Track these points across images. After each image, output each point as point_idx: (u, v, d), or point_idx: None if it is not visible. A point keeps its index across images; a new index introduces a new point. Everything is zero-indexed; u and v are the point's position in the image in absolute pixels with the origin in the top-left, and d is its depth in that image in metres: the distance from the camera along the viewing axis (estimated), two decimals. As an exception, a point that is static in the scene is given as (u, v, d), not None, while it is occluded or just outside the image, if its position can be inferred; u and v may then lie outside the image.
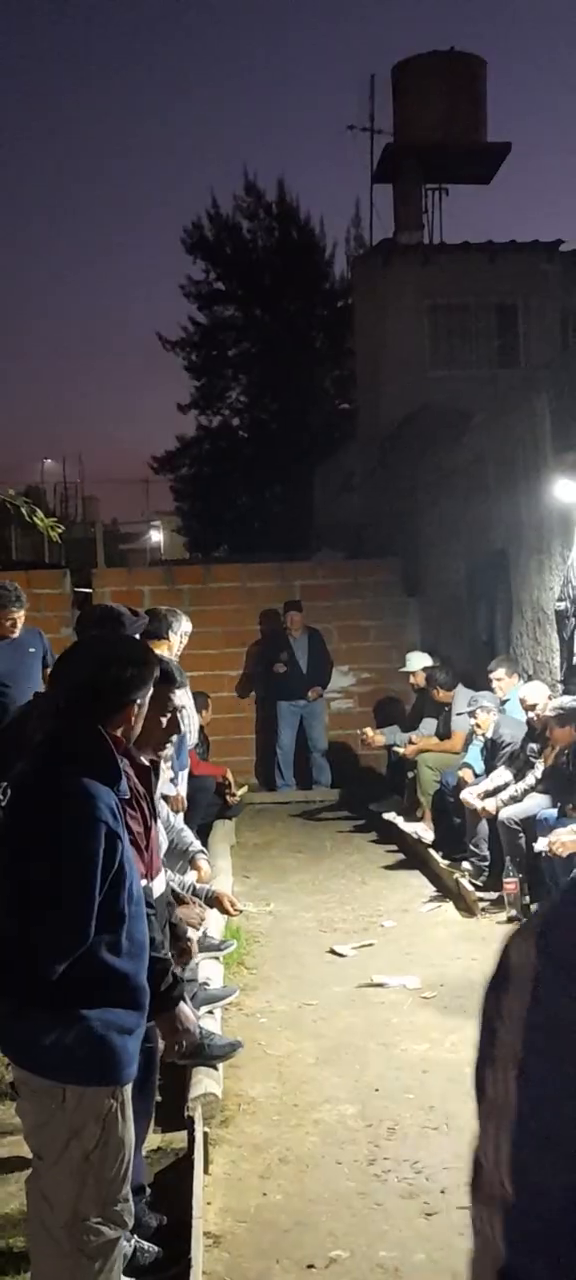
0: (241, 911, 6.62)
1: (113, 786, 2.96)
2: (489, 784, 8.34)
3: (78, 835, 2.86)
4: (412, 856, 9.83)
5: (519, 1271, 1.27)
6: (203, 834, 8.59)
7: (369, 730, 11.37)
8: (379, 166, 18.12)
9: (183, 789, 6.75)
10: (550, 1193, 1.27)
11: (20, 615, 7.49)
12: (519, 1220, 1.29)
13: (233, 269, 28.90)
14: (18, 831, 2.91)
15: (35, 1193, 2.99)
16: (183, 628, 7.00)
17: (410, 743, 10.49)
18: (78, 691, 3.10)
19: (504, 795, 8.06)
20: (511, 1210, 1.28)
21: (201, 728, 10.54)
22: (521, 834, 7.76)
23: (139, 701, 3.18)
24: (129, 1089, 3.02)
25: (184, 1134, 4.74)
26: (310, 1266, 3.94)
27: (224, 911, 5.73)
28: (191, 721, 7.31)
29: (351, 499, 18.30)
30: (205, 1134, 4.65)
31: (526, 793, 7.87)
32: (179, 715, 4.22)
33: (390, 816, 10.69)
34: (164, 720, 3.89)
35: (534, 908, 7.52)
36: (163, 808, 5.39)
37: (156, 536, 33.81)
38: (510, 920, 7.60)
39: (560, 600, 9.05)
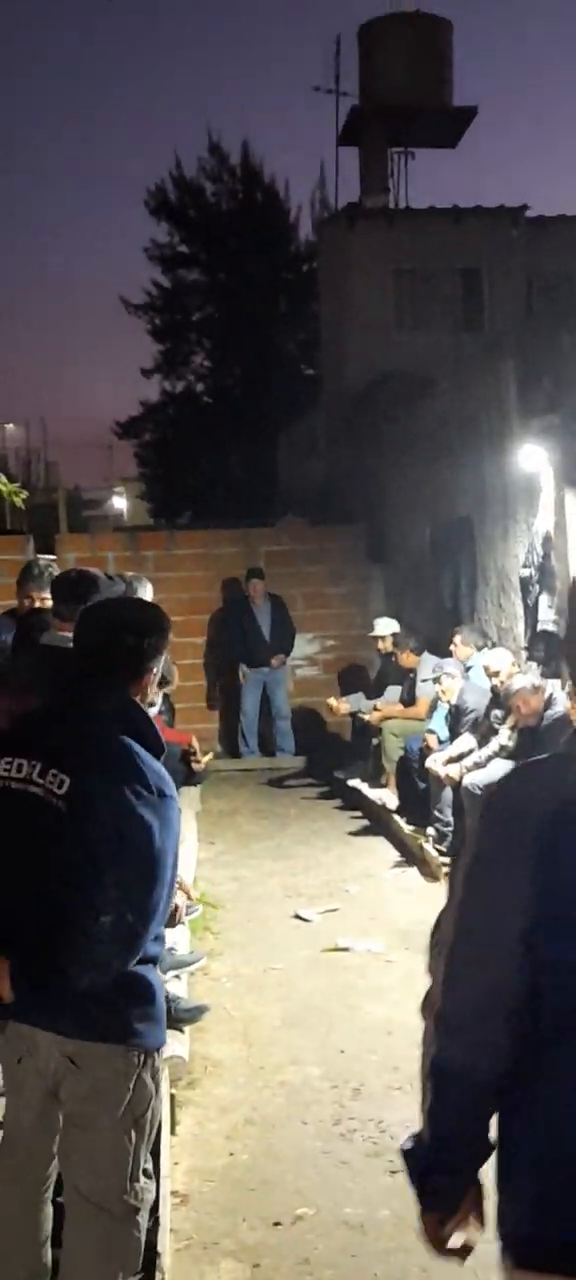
0: (193, 907, 6.68)
1: (158, 756, 2.98)
2: (453, 750, 8.43)
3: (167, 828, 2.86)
4: (377, 822, 9.92)
5: (443, 1057, 1.83)
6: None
7: (333, 700, 11.43)
8: (344, 129, 18.07)
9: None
10: (468, 993, 1.80)
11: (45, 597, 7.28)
12: (446, 1018, 1.82)
13: (196, 232, 28.69)
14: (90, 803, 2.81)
15: (79, 1167, 2.98)
16: (146, 593, 7.01)
17: (375, 709, 10.56)
18: (91, 661, 3.05)
19: (468, 761, 8.14)
20: (442, 1012, 1.83)
21: (167, 695, 10.56)
22: (485, 799, 7.85)
23: (155, 671, 3.16)
24: None
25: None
26: (276, 1224, 4.02)
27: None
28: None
29: (316, 464, 18.30)
30: (172, 1096, 4.72)
31: (490, 759, 7.95)
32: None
33: (355, 783, 10.77)
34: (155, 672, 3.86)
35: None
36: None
37: (119, 503, 33.62)
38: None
39: (525, 567, 9.13)
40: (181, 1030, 5.19)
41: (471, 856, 1.84)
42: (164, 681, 3.98)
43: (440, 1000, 1.84)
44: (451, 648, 9.36)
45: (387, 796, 9.89)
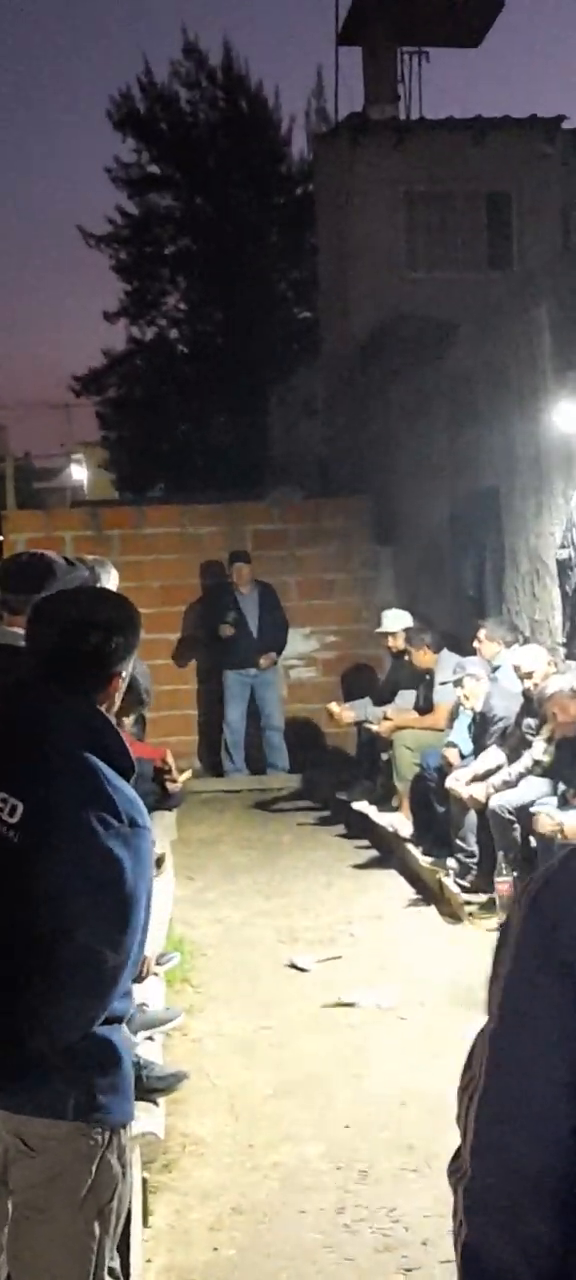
0: (168, 955, 6.68)
1: (128, 778, 2.97)
2: (478, 766, 8.43)
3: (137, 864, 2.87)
4: (387, 853, 9.92)
5: (477, 1245, 1.56)
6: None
7: (335, 705, 11.45)
8: (345, 24, 18.03)
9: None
10: (500, 1164, 1.55)
11: None
12: (474, 1195, 1.56)
13: (169, 149, 28.67)
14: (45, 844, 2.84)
15: (32, 1267, 2.97)
16: (111, 581, 7.01)
17: (384, 718, 10.56)
18: (47, 664, 3.04)
19: (496, 780, 8.15)
20: (470, 1187, 1.57)
21: (135, 702, 10.55)
22: (516, 825, 7.87)
23: (124, 675, 3.16)
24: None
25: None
26: (269, 1332, 4.02)
27: None
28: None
29: (312, 427, 18.31)
30: (144, 1180, 4.72)
31: (522, 776, 7.96)
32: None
33: (360, 806, 10.78)
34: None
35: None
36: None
37: (78, 473, 33.60)
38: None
39: (562, 548, 9.14)
40: (155, 1102, 5.19)
41: (507, 971, 1.61)
42: (139, 700, 3.98)
43: (469, 1169, 1.59)
44: (475, 645, 9.37)
45: (400, 822, 9.90)
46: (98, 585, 5.21)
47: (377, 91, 17.47)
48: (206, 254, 28.39)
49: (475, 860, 8.44)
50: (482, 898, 8.18)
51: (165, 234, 29.48)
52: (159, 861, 7.08)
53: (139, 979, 4.32)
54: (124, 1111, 3.00)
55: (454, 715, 9.34)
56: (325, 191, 18.26)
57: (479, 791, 8.23)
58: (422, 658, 10.22)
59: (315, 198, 20.14)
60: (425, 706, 10.25)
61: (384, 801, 10.50)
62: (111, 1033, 2.94)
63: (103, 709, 3.04)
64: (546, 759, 7.83)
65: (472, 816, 8.42)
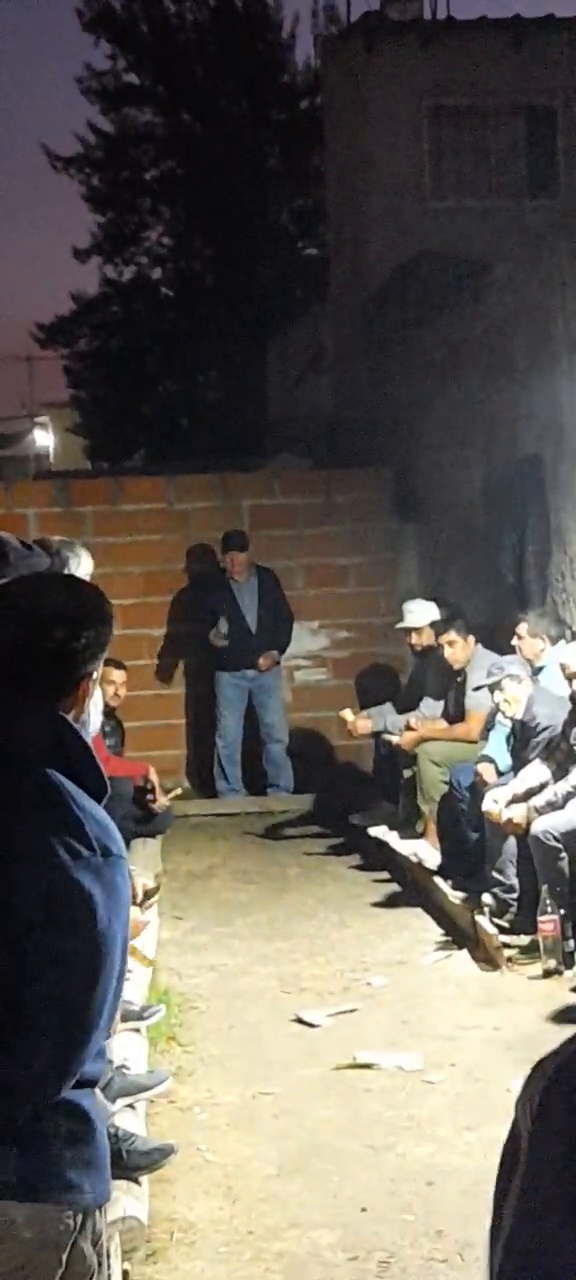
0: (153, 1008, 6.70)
1: (100, 800, 2.98)
2: (518, 785, 8.43)
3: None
4: (411, 888, 9.93)
5: None
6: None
7: (349, 712, 11.45)
8: None
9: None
10: None
11: None
12: None
13: (150, 55, 28.70)
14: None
15: None
16: (82, 566, 7.02)
17: (407, 728, 10.57)
18: (4, 666, 3.02)
19: (539, 800, 8.15)
20: None
21: (110, 708, 10.57)
22: (563, 853, 7.87)
23: (94, 676, 3.16)
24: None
25: (95, 1274, 4.81)
26: None
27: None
28: (95, 695, 7.32)
29: (320, 384, 18.34)
30: (125, 1272, 4.73)
31: (570, 796, 7.97)
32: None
33: (379, 832, 10.79)
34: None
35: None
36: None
37: (43, 438, 33.70)
38: (547, 974, 7.73)
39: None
40: (137, 1181, 5.20)
41: (523, 1169, 1.58)
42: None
43: None
44: (515, 641, 9.37)
45: (425, 851, 9.91)
46: (64, 572, 5.21)
47: (397, -13, 17.49)
48: (194, 180, 28.41)
49: (515, 895, 8.43)
50: (524, 940, 8.18)
51: (145, 156, 29.52)
52: (150, 894, 7.11)
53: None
54: (99, 1191, 3.00)
55: (489, 725, 9.34)
56: (334, 106, 18.28)
57: (519, 814, 8.23)
58: (454, 654, 10.17)
59: (323, 113, 20.16)
60: (455, 714, 10.25)
61: (406, 827, 10.50)
62: (83, 1098, 2.95)
63: (70, 717, 3.05)
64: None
65: (512, 844, 8.41)
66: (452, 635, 10.12)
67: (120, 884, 2.91)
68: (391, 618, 11.93)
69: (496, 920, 8.45)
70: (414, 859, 9.98)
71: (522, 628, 9.42)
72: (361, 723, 11.35)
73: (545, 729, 8.55)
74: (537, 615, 9.64)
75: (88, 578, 7.09)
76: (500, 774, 8.85)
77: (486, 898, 8.61)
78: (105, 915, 2.82)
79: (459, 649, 10.12)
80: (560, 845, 7.88)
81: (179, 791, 11.27)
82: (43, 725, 2.97)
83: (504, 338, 11.28)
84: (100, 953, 2.83)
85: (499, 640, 9.92)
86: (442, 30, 16.93)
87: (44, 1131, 2.87)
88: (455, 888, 9.27)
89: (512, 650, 9.34)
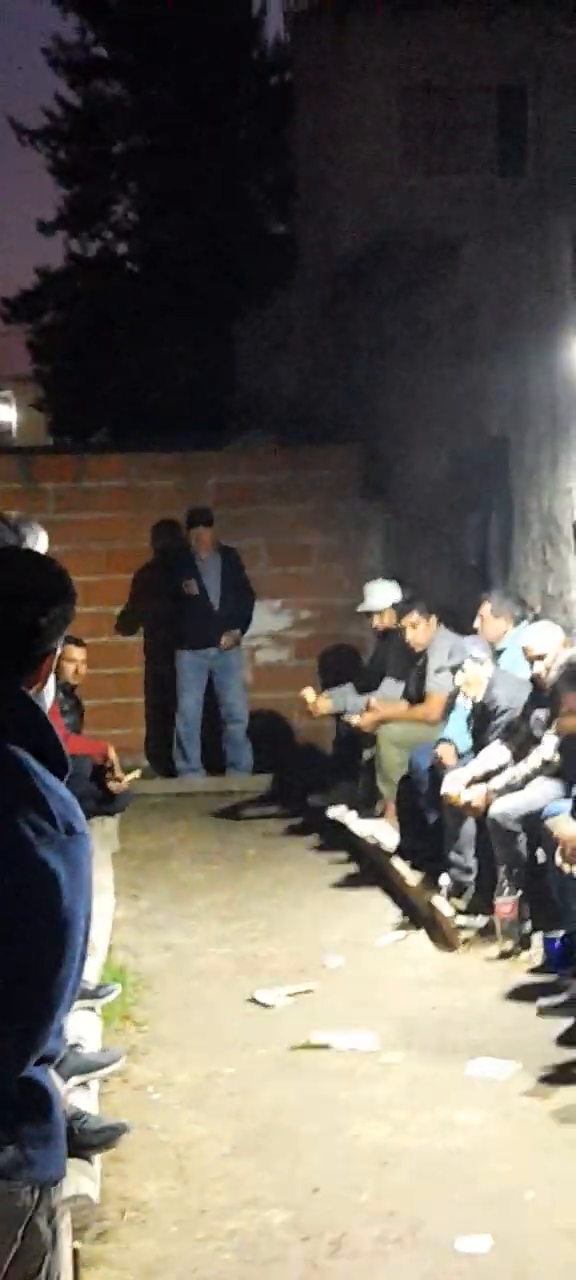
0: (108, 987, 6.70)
1: (62, 777, 2.96)
2: (477, 767, 8.44)
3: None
4: (369, 868, 9.94)
5: None
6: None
7: (310, 692, 11.43)
8: None
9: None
10: None
11: None
12: None
13: (119, 27, 28.58)
14: None
15: None
16: (39, 544, 7.00)
17: (367, 708, 10.57)
18: None
19: (498, 782, 8.17)
20: None
21: (70, 686, 10.54)
22: (521, 836, 7.90)
23: (56, 653, 3.15)
24: None
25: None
26: None
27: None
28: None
29: (288, 362, 18.28)
30: (75, 1251, 4.72)
31: (528, 779, 7.99)
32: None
33: (337, 813, 10.79)
34: None
35: (537, 937, 7.69)
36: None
37: (5, 413, 33.53)
38: (504, 955, 7.76)
39: (580, 509, 9.18)
40: (89, 1160, 5.18)
41: None
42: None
43: None
44: (477, 622, 9.38)
45: (385, 831, 9.92)
46: (23, 548, 5.19)
47: (369, -38, 17.45)
48: (162, 154, 28.29)
49: (472, 877, 8.45)
50: (481, 921, 8.20)
51: (114, 129, 29.38)
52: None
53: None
54: (55, 1167, 3.00)
55: (450, 706, 9.34)
56: (305, 81, 18.25)
57: (478, 796, 8.25)
58: (416, 635, 10.16)
59: (293, 88, 20.12)
60: (416, 695, 10.26)
61: (365, 808, 10.50)
62: (40, 1074, 2.94)
63: (32, 693, 3.04)
64: (558, 759, 7.86)
65: (470, 826, 8.42)
66: (414, 616, 10.13)
67: (83, 861, 2.91)
68: (354, 598, 11.91)
69: (453, 902, 8.48)
70: (372, 840, 9.99)
71: (485, 609, 9.43)
72: (322, 703, 11.33)
73: (505, 711, 8.57)
74: (500, 596, 9.65)
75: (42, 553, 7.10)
76: (459, 756, 8.85)
77: (444, 879, 8.63)
78: (69, 893, 2.81)
79: (420, 630, 10.12)
80: (518, 828, 7.91)
81: (138, 774, 11.23)
82: (7, 702, 2.96)
83: (472, 317, 11.28)
84: (64, 931, 2.82)
85: (462, 621, 9.93)
86: (413, 7, 16.88)
87: (2, 1108, 2.87)
88: (413, 869, 9.29)
89: (474, 631, 9.35)
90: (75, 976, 2.92)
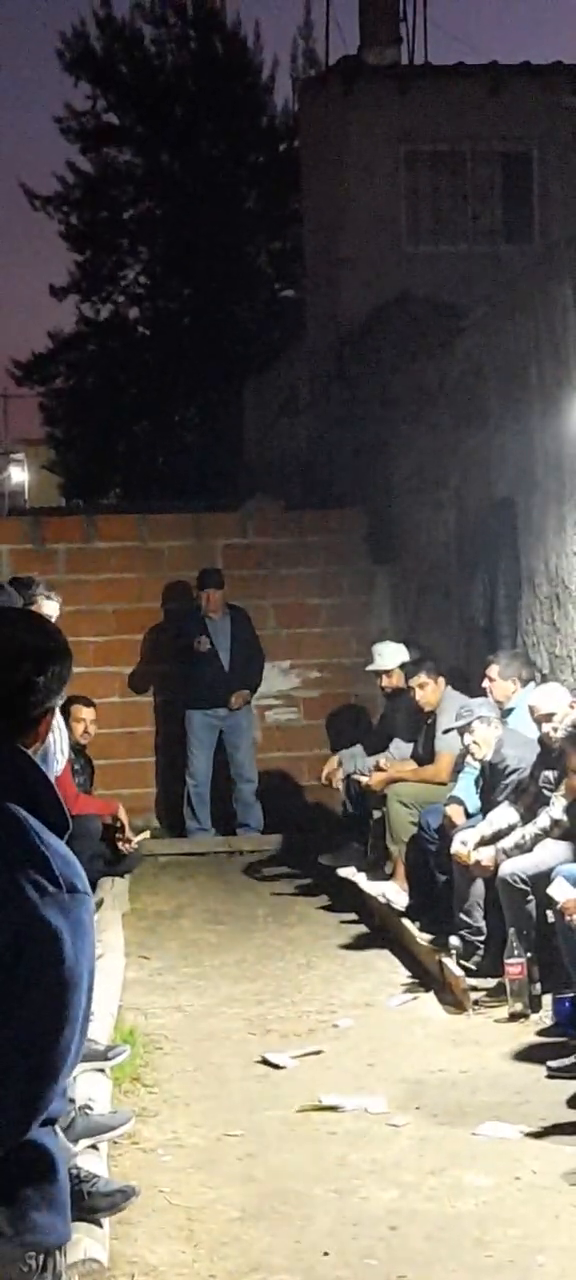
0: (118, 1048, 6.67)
1: (62, 836, 2.95)
2: (487, 827, 8.43)
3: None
4: (379, 929, 9.90)
5: None
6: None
7: (334, 765, 11.29)
8: (338, -47, 18.21)
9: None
10: None
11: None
12: None
13: (130, 96, 28.81)
14: None
15: None
16: (52, 611, 7.06)
17: (377, 769, 10.56)
18: None
19: (507, 843, 8.15)
20: None
21: (80, 746, 10.54)
22: (531, 896, 7.87)
23: (54, 712, 3.14)
24: None
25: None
26: None
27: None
28: (60, 735, 7.31)
29: (295, 426, 18.36)
30: (84, 1316, 4.68)
31: (538, 839, 7.96)
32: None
33: (347, 873, 10.76)
34: None
35: (547, 999, 7.65)
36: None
37: (18, 475, 33.69)
38: (513, 1017, 7.71)
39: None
40: (98, 1223, 5.16)
41: None
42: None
43: None
44: (485, 683, 9.37)
45: (394, 892, 9.89)
46: (32, 609, 5.19)
47: (375, 32, 17.60)
48: (172, 220, 28.49)
49: (482, 938, 8.42)
50: (491, 983, 8.17)
51: (124, 196, 29.59)
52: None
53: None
54: (60, 1232, 2.97)
55: (458, 767, 9.33)
56: (312, 149, 18.36)
57: (487, 856, 8.22)
58: (424, 696, 10.19)
59: (300, 156, 20.26)
60: (425, 755, 10.25)
61: (375, 868, 10.48)
62: (44, 1136, 2.92)
63: (31, 751, 3.04)
64: (566, 819, 7.84)
65: (480, 886, 8.40)
66: (423, 677, 10.14)
67: (86, 921, 2.89)
68: (362, 659, 11.94)
69: (463, 963, 8.44)
70: (382, 900, 9.96)
71: (493, 670, 9.43)
72: (337, 770, 11.26)
73: (514, 771, 8.55)
74: (508, 658, 9.65)
75: (54, 618, 7.15)
76: (469, 816, 8.84)
77: (453, 940, 8.59)
78: (72, 953, 2.80)
79: (429, 691, 10.13)
80: (527, 888, 7.88)
81: (148, 834, 11.24)
82: (5, 761, 2.96)
83: (477, 383, 11.31)
84: (67, 991, 2.80)
85: (470, 682, 9.91)
86: (420, 75, 17.06)
87: (5, 1171, 2.84)
88: (422, 929, 9.25)
89: (483, 692, 9.35)
90: (79, 1038, 2.89)
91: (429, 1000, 8.44)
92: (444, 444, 12.10)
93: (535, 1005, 7.74)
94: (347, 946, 9.77)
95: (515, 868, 7.94)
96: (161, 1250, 5.42)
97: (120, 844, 10.31)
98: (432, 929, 9.12)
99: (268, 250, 28.99)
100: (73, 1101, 5.61)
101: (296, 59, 28.51)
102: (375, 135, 16.43)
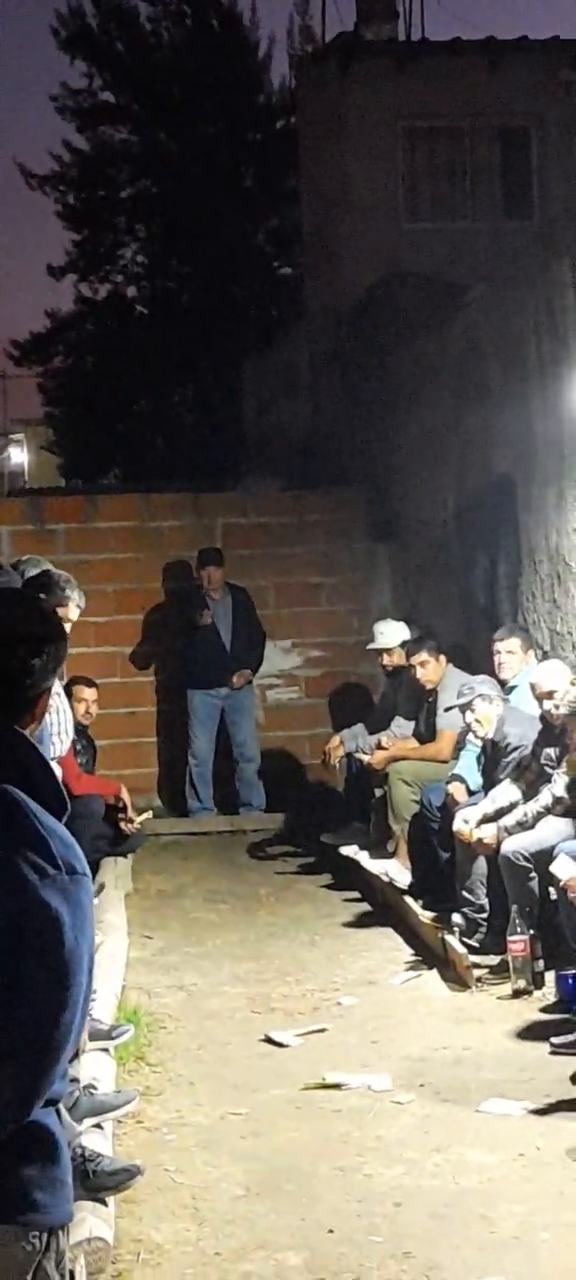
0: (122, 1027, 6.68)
1: (60, 818, 2.95)
2: (489, 805, 8.44)
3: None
4: (382, 907, 9.92)
5: None
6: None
7: (334, 743, 11.31)
8: None
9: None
10: None
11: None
12: None
13: (127, 74, 28.72)
14: None
15: None
16: (74, 602, 7.10)
17: (379, 747, 10.57)
18: None
19: (509, 820, 8.15)
20: None
21: (82, 726, 10.53)
22: (533, 874, 7.88)
23: (51, 692, 3.15)
24: None
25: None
26: None
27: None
28: (63, 716, 7.32)
29: (294, 405, 18.32)
30: (90, 1295, 4.70)
31: (540, 816, 7.97)
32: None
33: (350, 852, 10.77)
34: None
35: (549, 975, 7.67)
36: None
37: (17, 455, 33.63)
38: (517, 994, 7.72)
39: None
40: (103, 1202, 5.17)
41: None
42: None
43: None
44: (496, 659, 9.35)
45: (396, 870, 9.90)
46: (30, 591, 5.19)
47: (372, 8, 17.54)
48: (170, 198, 28.40)
49: (485, 915, 8.44)
50: (493, 960, 8.19)
51: (121, 175, 29.50)
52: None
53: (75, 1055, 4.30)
54: (63, 1211, 2.98)
55: (460, 744, 9.34)
56: (310, 126, 18.30)
57: (489, 834, 8.23)
58: (426, 674, 10.18)
59: (298, 133, 20.18)
60: (427, 733, 10.25)
61: (377, 846, 10.47)
62: (47, 1117, 2.92)
63: (28, 732, 3.04)
64: (568, 797, 7.84)
65: (482, 864, 8.41)
66: (424, 655, 10.13)
67: (86, 902, 2.89)
68: (364, 637, 11.93)
69: (466, 940, 8.45)
70: (384, 878, 9.97)
71: (510, 643, 9.43)
72: (338, 750, 11.27)
73: (516, 749, 8.56)
74: (509, 635, 9.65)
75: (78, 613, 7.21)
76: (471, 793, 8.85)
77: (456, 917, 8.60)
78: (72, 935, 2.80)
79: (430, 669, 10.13)
80: (530, 865, 7.89)
81: (151, 814, 11.24)
82: (3, 744, 2.96)
83: (477, 360, 11.29)
84: (68, 974, 2.80)
85: (470, 659, 9.91)
86: (417, 51, 16.99)
87: (8, 1151, 2.85)
88: (425, 907, 9.26)
89: (485, 670, 9.35)
90: (79, 1019, 2.90)
91: (432, 978, 8.46)
92: (443, 421, 12.09)
93: (538, 982, 7.75)
94: (350, 925, 9.80)
95: (517, 845, 7.95)
96: (166, 1228, 5.43)
97: (123, 824, 10.32)
98: (435, 907, 9.12)
99: (266, 228, 28.91)
100: (77, 1081, 5.63)
101: (293, 35, 28.38)
102: (373, 112, 16.37)
